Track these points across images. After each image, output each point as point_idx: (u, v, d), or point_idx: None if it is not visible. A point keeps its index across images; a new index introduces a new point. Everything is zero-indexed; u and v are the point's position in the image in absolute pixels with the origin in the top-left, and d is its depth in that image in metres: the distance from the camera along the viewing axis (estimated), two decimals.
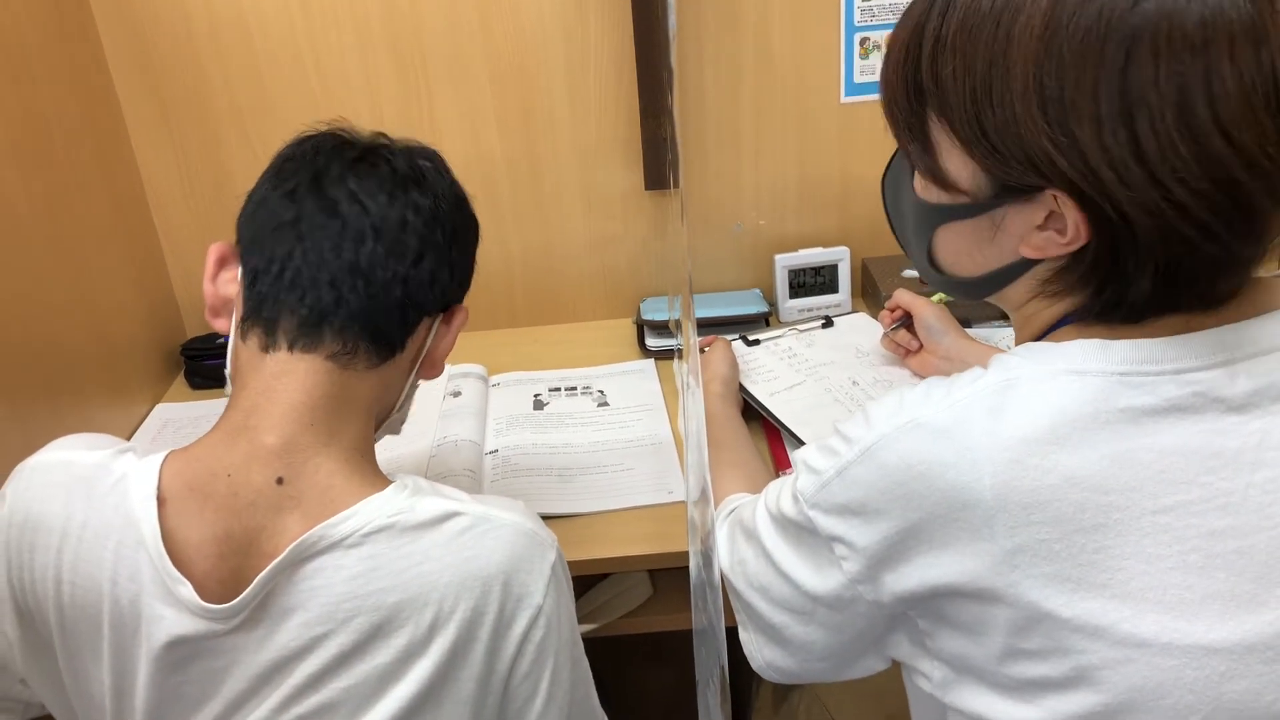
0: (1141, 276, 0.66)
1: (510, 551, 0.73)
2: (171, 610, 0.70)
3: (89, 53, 1.39)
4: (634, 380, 1.44)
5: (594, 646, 1.09)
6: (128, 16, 1.40)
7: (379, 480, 0.76)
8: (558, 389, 1.42)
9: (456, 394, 1.39)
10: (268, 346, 0.76)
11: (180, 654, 0.71)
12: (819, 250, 1.54)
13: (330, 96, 1.46)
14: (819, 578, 0.76)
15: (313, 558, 0.70)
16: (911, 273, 1.49)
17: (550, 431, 1.31)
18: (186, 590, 0.70)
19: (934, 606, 0.72)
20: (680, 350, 1.39)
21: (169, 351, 1.52)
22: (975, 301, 0.81)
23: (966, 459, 0.66)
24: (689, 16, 1.42)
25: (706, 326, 1.47)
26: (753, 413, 1.26)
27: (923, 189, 0.76)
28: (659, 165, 1.49)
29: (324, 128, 0.85)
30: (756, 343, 1.44)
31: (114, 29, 1.41)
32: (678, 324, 1.43)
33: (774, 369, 1.37)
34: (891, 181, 0.84)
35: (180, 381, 1.51)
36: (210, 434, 0.76)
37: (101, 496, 0.73)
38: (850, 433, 0.73)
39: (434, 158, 0.87)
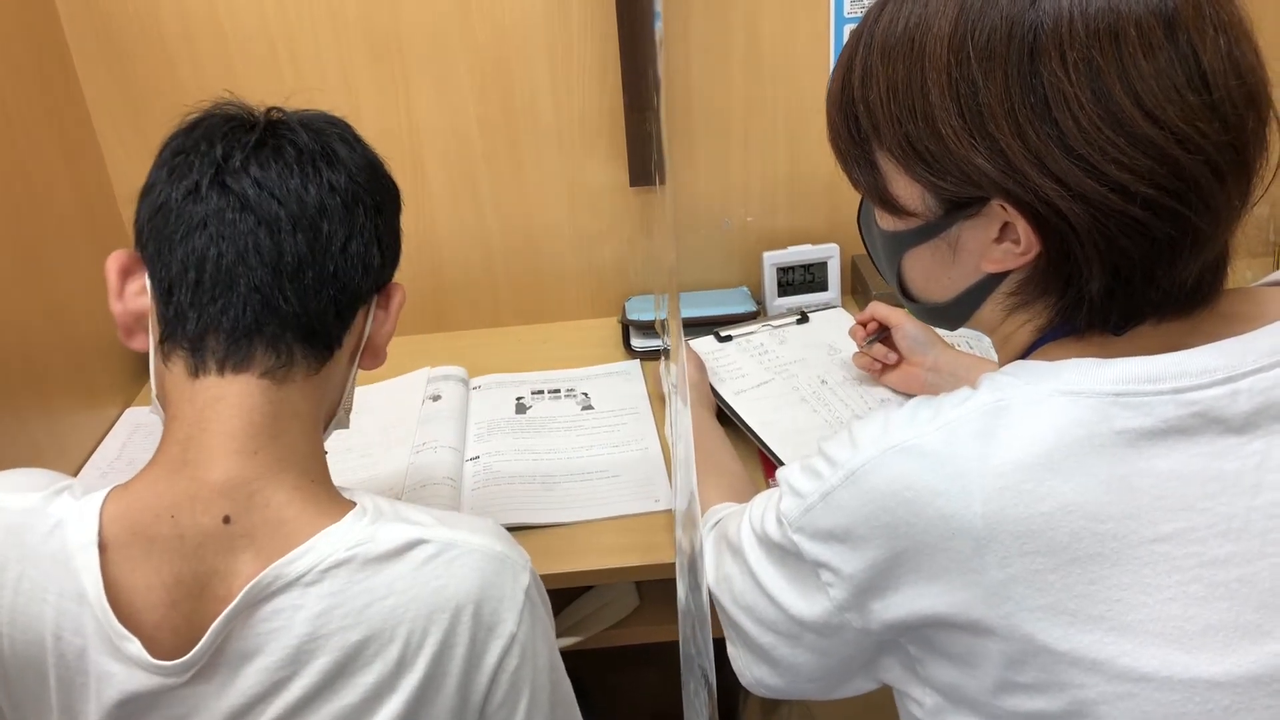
0: (1093, 274, 0.65)
1: (480, 578, 0.69)
2: (121, 666, 0.66)
3: (52, 46, 1.34)
4: (619, 382, 1.40)
5: (578, 655, 1.07)
6: (93, 6, 1.35)
7: (336, 506, 0.71)
8: (540, 391, 1.38)
9: (436, 398, 1.35)
10: (196, 370, 0.70)
11: (133, 709, 0.67)
12: (808, 247, 1.51)
13: (304, 90, 1.41)
14: (805, 603, 0.74)
15: (269, 599, 0.66)
16: None
17: (533, 436, 1.28)
18: (134, 647, 0.65)
19: (924, 635, 0.70)
20: (666, 351, 1.36)
21: (139, 355, 1.47)
22: (954, 329, 0.80)
23: (956, 486, 0.64)
24: (676, 8, 1.38)
25: (693, 326, 1.44)
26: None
27: (880, 218, 0.76)
28: (644, 161, 1.46)
29: (208, 106, 0.77)
30: (729, 339, 1.41)
31: (78, 20, 1.36)
32: (664, 324, 1.40)
33: (743, 367, 1.34)
34: (864, 216, 0.84)
35: (150, 385, 1.47)
36: (149, 469, 0.70)
37: (36, 545, 0.67)
38: (834, 454, 0.71)
39: (339, 124, 0.79)
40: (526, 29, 1.39)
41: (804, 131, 1.48)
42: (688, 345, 1.30)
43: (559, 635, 1.11)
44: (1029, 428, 0.64)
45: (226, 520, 0.67)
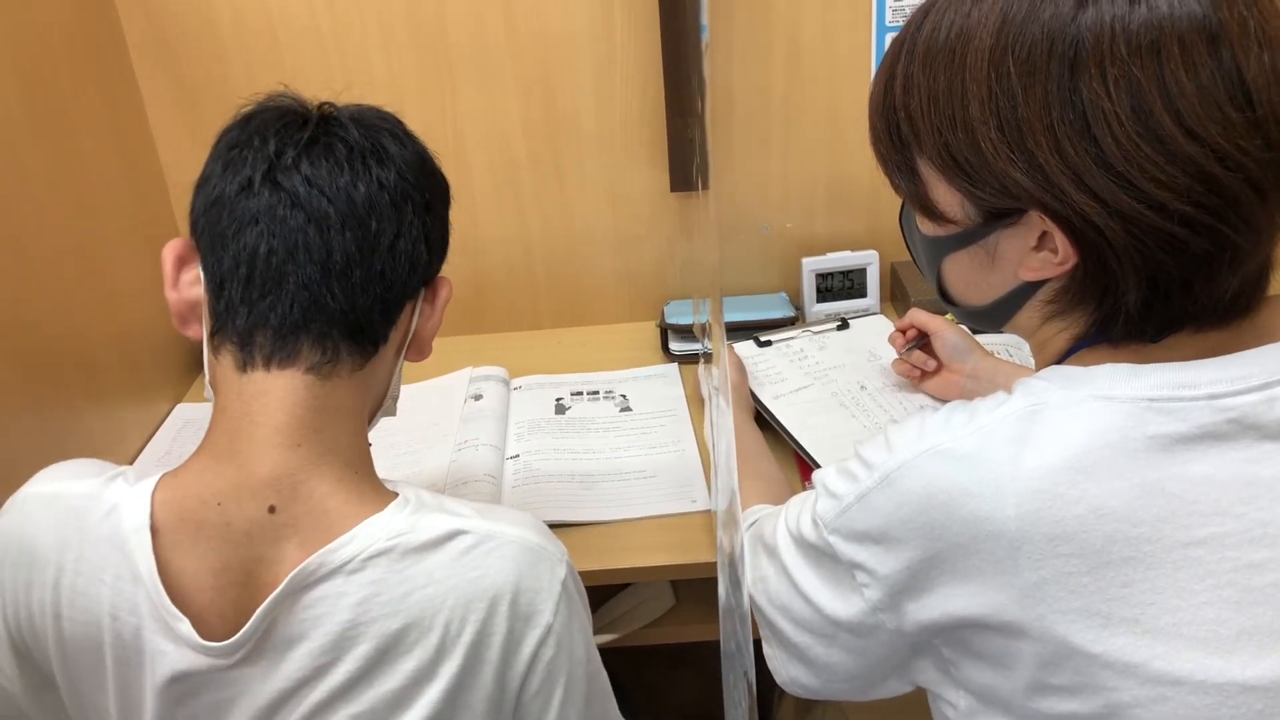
0: (1130, 286, 0.65)
1: (517, 569, 0.71)
2: (172, 645, 0.68)
3: (112, 46, 1.38)
4: (657, 385, 1.42)
5: (615, 653, 1.08)
6: (150, 7, 1.39)
7: (379, 497, 0.72)
8: (580, 393, 1.40)
9: (478, 397, 1.37)
10: (244, 365, 0.71)
11: (184, 687, 0.69)
12: (847, 254, 1.51)
13: (353, 91, 1.44)
14: (841, 603, 0.74)
15: (313, 586, 0.68)
16: None
17: (572, 436, 1.29)
18: (185, 627, 0.67)
19: (958, 636, 0.70)
20: (705, 355, 1.37)
21: (190, 350, 1.51)
22: (995, 331, 0.80)
23: (990, 489, 0.64)
24: (719, 15, 1.40)
25: (733, 330, 1.45)
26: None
27: (921, 223, 0.76)
28: (685, 166, 1.47)
29: (262, 98, 0.78)
30: (769, 344, 1.41)
31: (136, 19, 1.40)
32: (702, 328, 1.41)
33: (782, 371, 1.34)
34: (906, 219, 0.84)
35: (200, 381, 1.50)
36: (198, 456, 0.72)
37: (93, 528, 0.70)
38: (870, 457, 0.72)
39: (390, 120, 0.80)
40: (571, 35, 1.41)
41: (844, 138, 1.49)
42: (729, 348, 1.31)
43: (596, 632, 1.13)
44: (1062, 432, 0.64)
45: (272, 510, 0.69)
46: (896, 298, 1.56)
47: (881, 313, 1.52)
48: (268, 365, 0.71)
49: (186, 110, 1.45)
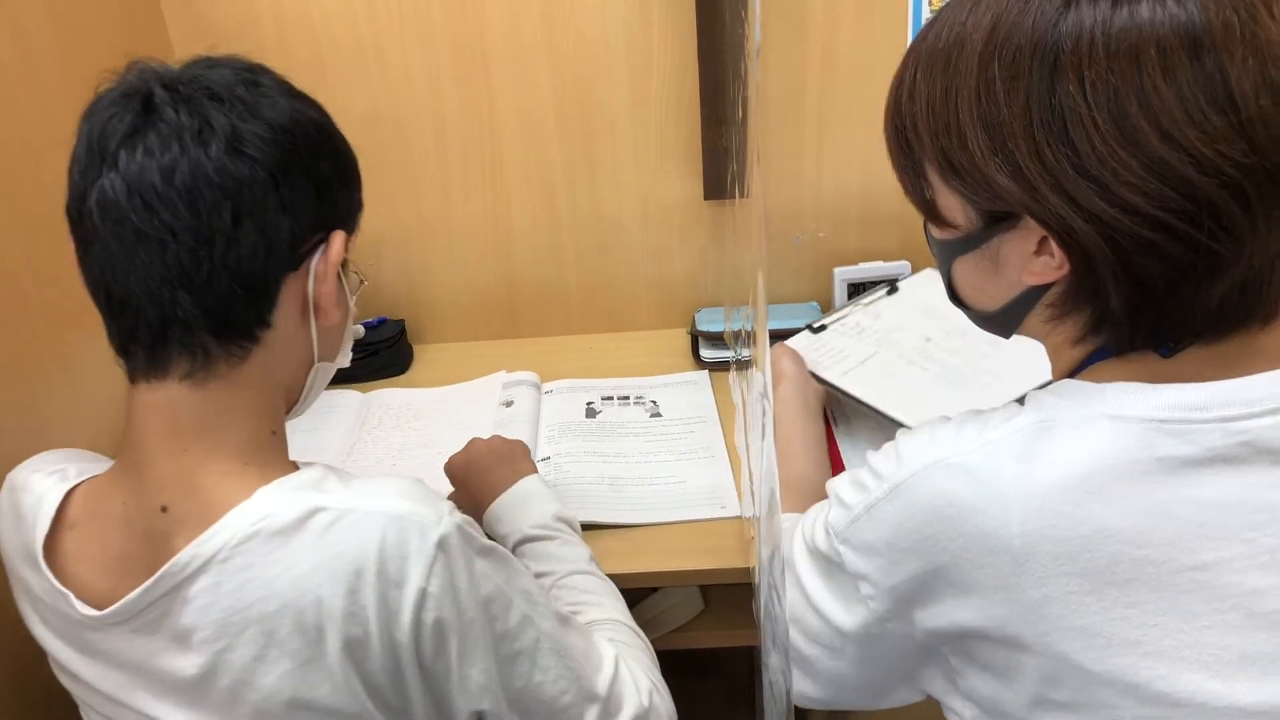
0: (1113, 291, 0.64)
1: (379, 540, 0.69)
2: (67, 608, 0.74)
3: (157, 43, 1.40)
4: (687, 392, 1.42)
5: None
6: (195, 5, 1.41)
7: (263, 481, 0.72)
8: (610, 398, 1.41)
9: (509, 403, 1.38)
10: (131, 377, 0.74)
11: (92, 639, 0.75)
12: (879, 264, 1.51)
13: (391, 94, 1.46)
14: (847, 615, 0.75)
15: (194, 578, 0.69)
16: None
17: (602, 440, 1.30)
18: (69, 600, 0.74)
19: (964, 646, 0.70)
20: (738, 362, 1.37)
21: None
22: (1006, 336, 0.80)
23: (996, 504, 0.65)
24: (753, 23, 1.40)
25: None
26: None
27: (931, 227, 0.77)
28: (719, 174, 1.47)
29: (113, 77, 0.73)
30: (823, 328, 1.38)
31: (179, 17, 1.42)
32: (734, 335, 1.41)
33: (843, 348, 1.31)
34: (926, 226, 0.84)
35: None
36: (117, 461, 0.77)
37: (24, 516, 0.78)
38: (881, 468, 0.72)
39: (226, 85, 0.72)
40: (607, 42, 1.42)
41: (878, 148, 1.47)
42: (782, 344, 1.29)
43: None
44: (1071, 450, 0.64)
45: (164, 510, 0.72)
46: None
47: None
48: (147, 378, 0.73)
49: None
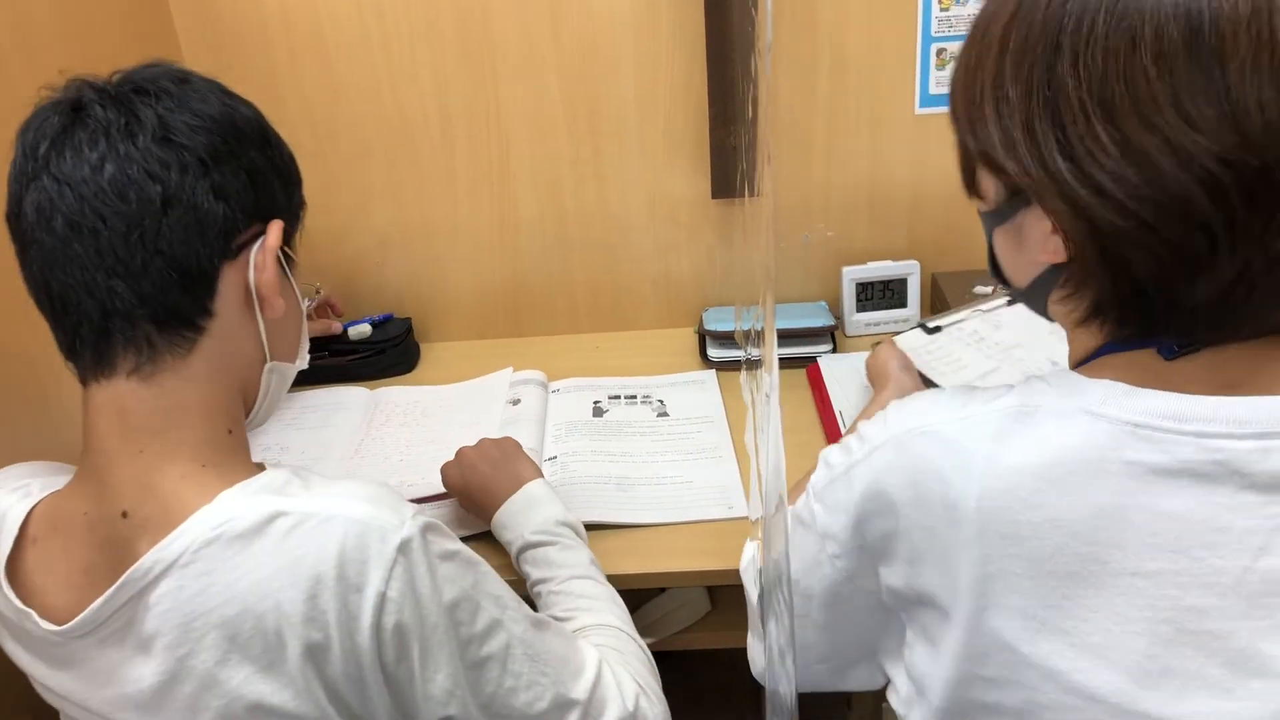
0: (1099, 276, 0.64)
1: (340, 545, 0.68)
2: (31, 625, 0.73)
3: (164, 43, 1.40)
4: (694, 391, 1.41)
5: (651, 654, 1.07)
6: (202, 4, 1.41)
7: (224, 484, 0.71)
8: (617, 397, 1.40)
9: (516, 401, 1.38)
10: (82, 379, 0.73)
11: (62, 654, 0.74)
12: (888, 263, 1.51)
13: (398, 91, 1.46)
14: (814, 577, 0.77)
15: (156, 583, 0.69)
16: (983, 288, 1.45)
17: (609, 439, 1.29)
18: (33, 617, 0.73)
19: (914, 613, 0.73)
20: (747, 362, 1.36)
21: None
22: (1042, 315, 0.79)
23: (960, 476, 0.66)
24: (762, 21, 1.39)
25: None
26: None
27: (973, 199, 0.77)
28: (727, 173, 1.47)
29: (47, 94, 0.74)
30: (938, 329, 1.33)
31: (187, 15, 1.42)
32: (744, 335, 1.41)
33: (961, 357, 1.27)
34: None
35: None
36: (77, 470, 0.76)
37: None
38: (867, 432, 0.74)
39: (152, 79, 0.73)
40: (615, 41, 1.42)
41: (887, 147, 1.48)
42: (890, 342, 1.23)
43: None
44: (1043, 438, 0.65)
45: (125, 515, 0.71)
46: (937, 308, 1.55)
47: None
48: (96, 378, 0.73)
49: None
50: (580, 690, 0.80)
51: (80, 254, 0.70)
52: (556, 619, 0.89)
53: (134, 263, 0.70)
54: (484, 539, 1.10)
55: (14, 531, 0.75)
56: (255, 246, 0.76)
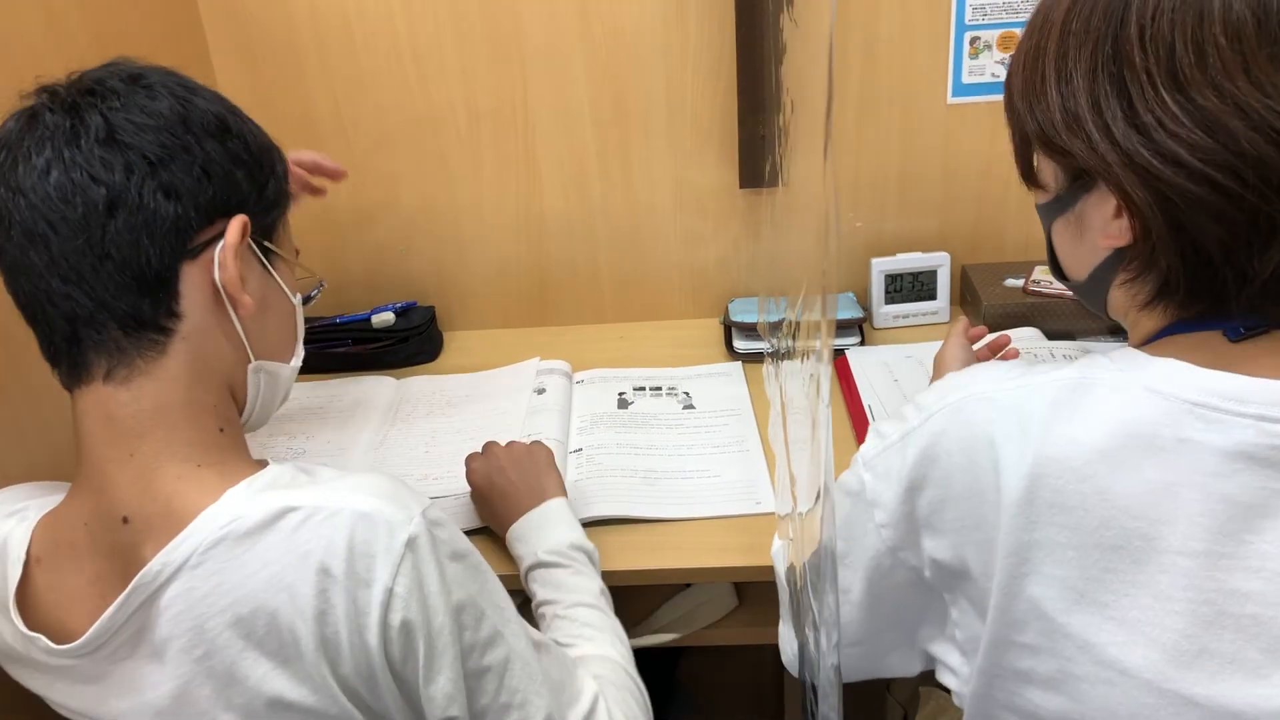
0: (1167, 251, 0.64)
1: (347, 539, 0.68)
2: (40, 656, 0.73)
3: (193, 43, 1.40)
4: (720, 383, 1.40)
5: (675, 653, 1.06)
6: (231, 4, 1.41)
7: (223, 485, 0.71)
8: (642, 388, 1.39)
9: (541, 391, 1.37)
10: (67, 388, 0.73)
11: (78, 673, 0.73)
12: (918, 255, 1.49)
13: (425, 84, 1.45)
14: (857, 546, 0.76)
15: (165, 586, 0.68)
16: (1014, 282, 1.43)
17: (635, 431, 1.28)
18: (42, 642, 0.73)
19: (960, 587, 0.72)
20: (772, 355, 1.35)
21: None
22: (1102, 314, 0.78)
23: (1014, 442, 0.66)
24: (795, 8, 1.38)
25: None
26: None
27: (1033, 192, 0.77)
28: (755, 163, 1.45)
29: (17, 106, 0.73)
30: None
31: (217, 16, 1.42)
32: (769, 327, 1.39)
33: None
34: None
35: None
36: (73, 485, 0.75)
37: None
38: (923, 400, 0.73)
39: (101, 80, 0.72)
40: (643, 30, 1.40)
41: (918, 137, 1.46)
42: (958, 333, 1.12)
43: (655, 631, 1.12)
44: (1100, 412, 0.64)
45: (125, 521, 0.71)
46: (966, 301, 1.53)
47: (951, 316, 1.48)
48: (76, 384, 0.72)
49: (263, 106, 1.46)
50: (574, 719, 0.79)
51: (36, 262, 0.70)
52: (558, 643, 0.88)
53: (85, 268, 0.69)
54: (483, 533, 1.10)
55: (20, 557, 0.75)
56: (215, 249, 0.74)
